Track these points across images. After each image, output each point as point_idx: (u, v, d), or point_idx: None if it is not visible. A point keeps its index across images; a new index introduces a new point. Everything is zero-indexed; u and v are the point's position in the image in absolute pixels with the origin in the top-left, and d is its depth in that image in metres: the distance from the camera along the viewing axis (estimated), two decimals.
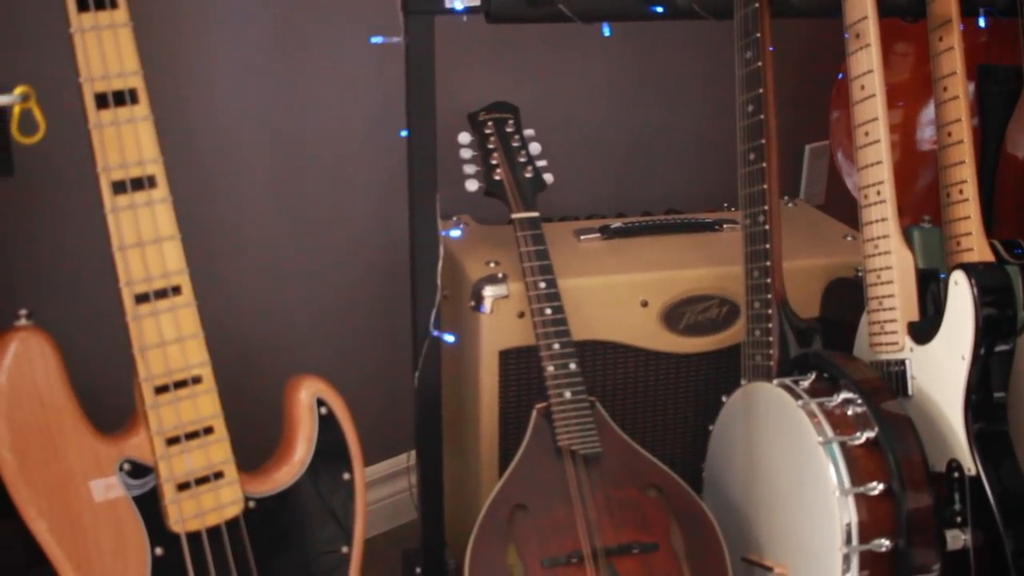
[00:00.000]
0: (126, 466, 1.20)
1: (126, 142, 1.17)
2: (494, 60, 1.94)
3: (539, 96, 1.98)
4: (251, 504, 1.27)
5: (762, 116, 1.54)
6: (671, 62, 2.20)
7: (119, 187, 1.17)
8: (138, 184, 1.18)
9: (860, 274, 1.64)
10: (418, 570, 1.71)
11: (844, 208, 2.20)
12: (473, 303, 1.64)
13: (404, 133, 1.58)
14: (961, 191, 1.64)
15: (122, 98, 1.16)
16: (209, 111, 1.68)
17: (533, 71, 2.02)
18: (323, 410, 1.32)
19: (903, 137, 2.11)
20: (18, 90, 1.17)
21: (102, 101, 1.15)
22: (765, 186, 1.55)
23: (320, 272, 1.85)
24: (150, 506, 1.22)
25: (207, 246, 1.70)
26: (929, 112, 2.10)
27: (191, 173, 1.66)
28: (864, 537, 1.38)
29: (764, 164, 1.55)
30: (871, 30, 1.54)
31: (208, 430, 1.24)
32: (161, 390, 1.21)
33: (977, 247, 1.62)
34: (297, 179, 1.80)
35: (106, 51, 1.15)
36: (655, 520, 1.52)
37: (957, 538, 1.43)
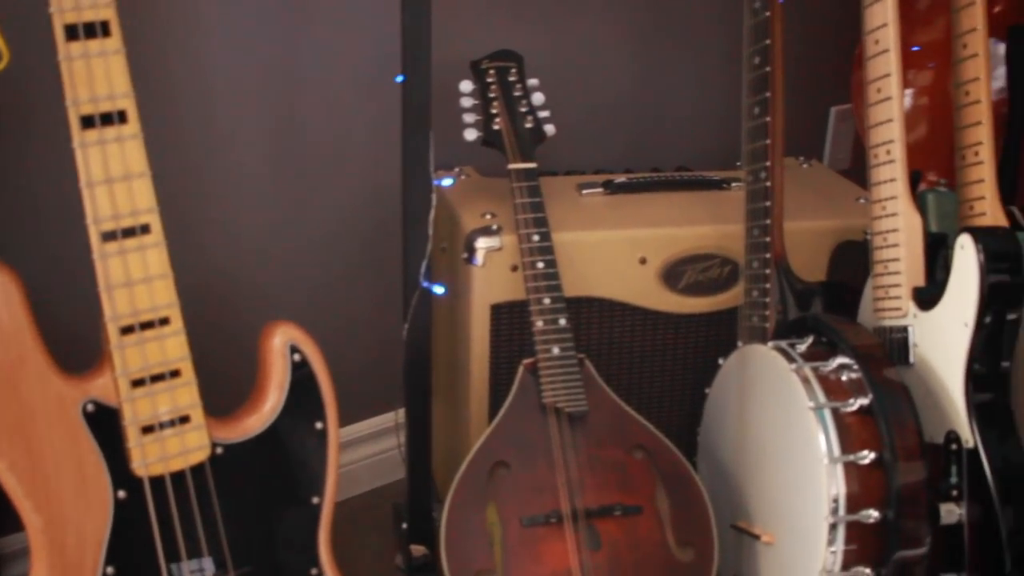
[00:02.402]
0: (89, 407, 1.18)
1: (96, 75, 1.13)
2: (502, 8, 1.89)
3: (550, 46, 1.94)
4: (218, 450, 1.25)
5: (768, 69, 1.49)
6: (686, 14, 2.14)
7: (88, 121, 1.14)
8: (107, 119, 1.14)
9: (869, 236, 1.59)
10: (404, 525, 1.68)
11: None
12: (466, 255, 1.61)
13: (399, 79, 1.54)
14: (977, 153, 1.57)
15: (93, 30, 1.12)
16: (199, 50, 1.64)
17: (543, 20, 1.96)
18: (296, 357, 1.28)
19: (932, 100, 2.04)
20: None
21: (72, 33, 1.12)
22: (768, 142, 1.50)
23: (309, 219, 1.82)
24: (113, 448, 1.19)
25: (192, 188, 1.67)
26: None
27: (176, 111, 1.62)
28: (852, 507, 1.33)
29: (768, 119, 1.50)
30: None
31: (175, 373, 1.21)
32: (127, 331, 1.18)
33: (991, 211, 1.56)
34: (290, 122, 1.76)
35: None
36: (640, 482, 1.49)
37: (952, 512, 1.38)
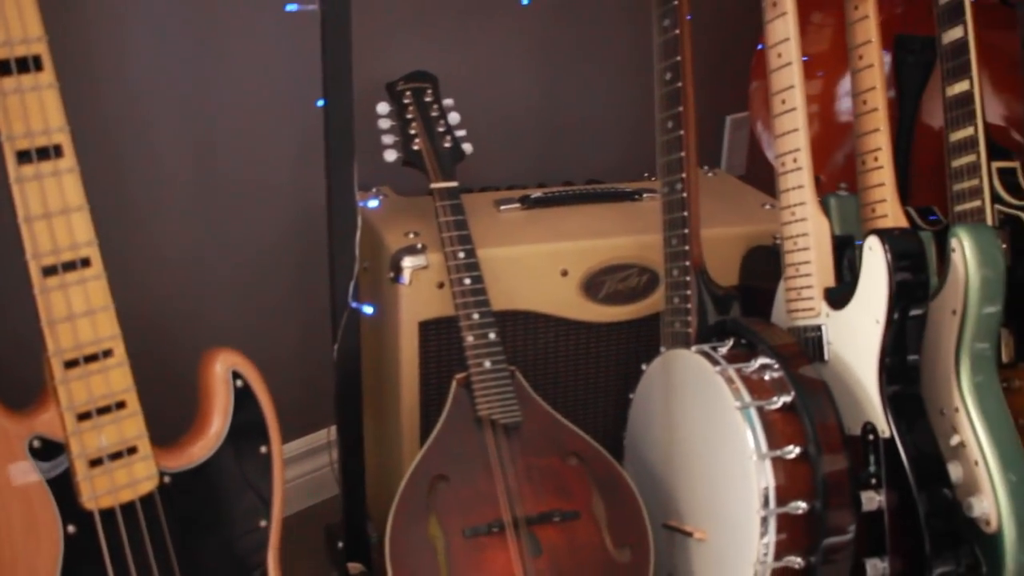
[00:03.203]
0: (36, 443, 1.18)
1: (31, 110, 1.13)
2: (413, 30, 1.92)
3: (460, 66, 1.97)
4: (166, 479, 1.25)
5: (680, 84, 1.55)
6: (593, 29, 2.19)
7: (24, 156, 1.14)
8: (44, 153, 1.15)
9: (778, 242, 1.66)
10: (340, 544, 1.70)
11: (765, 178, 2.22)
12: (392, 274, 1.63)
13: (321, 103, 1.56)
14: (876, 158, 1.66)
15: (26, 65, 1.13)
16: (120, 83, 1.64)
17: (453, 41, 2.00)
18: (239, 383, 1.30)
19: (822, 108, 2.13)
20: None
21: (5, 68, 1.12)
22: (683, 154, 1.56)
23: (236, 245, 1.82)
24: (61, 483, 1.19)
25: (120, 219, 1.66)
26: (848, 83, 2.13)
27: (102, 146, 1.62)
28: (781, 500, 1.39)
29: (682, 132, 1.56)
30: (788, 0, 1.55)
31: (120, 404, 1.21)
32: (71, 364, 1.18)
33: (891, 213, 1.65)
34: (212, 150, 1.77)
35: (7, 16, 1.11)
36: (576, 488, 1.53)
37: (872, 499, 1.45)
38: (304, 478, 1.98)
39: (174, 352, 1.59)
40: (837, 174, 2.03)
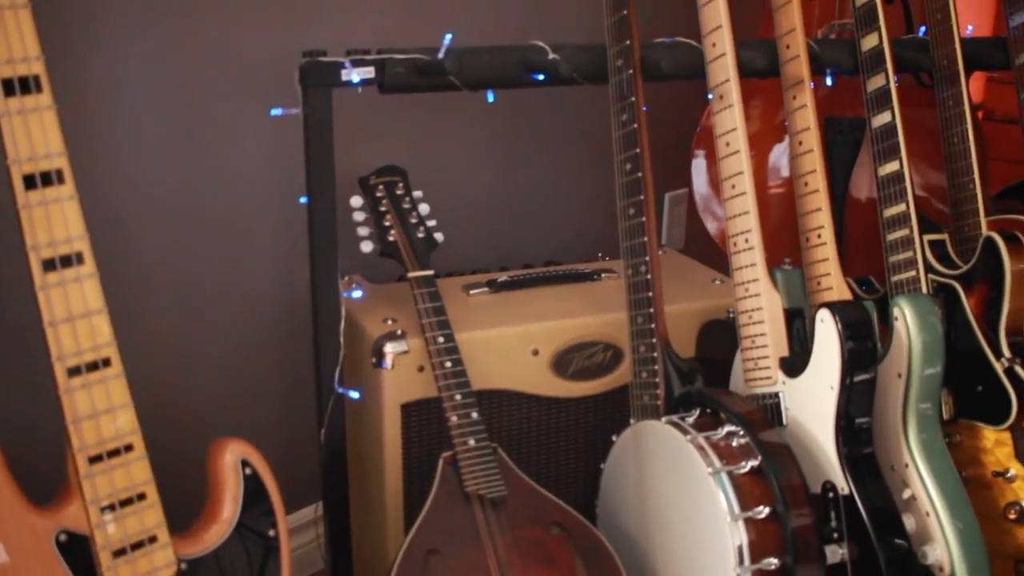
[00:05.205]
0: (62, 536, 1.24)
1: (54, 221, 1.21)
2: (378, 124, 2.02)
3: (420, 158, 2.07)
4: (183, 566, 1.32)
5: (640, 174, 1.66)
6: (544, 123, 2.32)
7: (49, 264, 1.21)
8: (67, 261, 1.22)
9: (731, 315, 1.78)
10: None
11: (703, 248, 2.36)
12: (374, 360, 1.71)
13: (304, 200, 1.65)
14: (819, 235, 1.79)
15: (49, 179, 1.20)
16: (112, 183, 1.71)
17: (415, 135, 2.10)
18: (248, 470, 1.37)
19: (756, 185, 2.26)
20: None
21: (30, 182, 1.19)
22: (645, 239, 1.67)
23: (222, 332, 1.89)
24: (86, 574, 1.25)
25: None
26: (773, 158, 2.28)
27: (96, 241, 1.68)
28: (755, 557, 1.49)
29: (643, 218, 1.67)
30: (734, 92, 1.68)
31: (141, 496, 1.28)
32: (95, 460, 1.24)
33: (836, 286, 1.77)
34: (199, 241, 1.84)
35: (32, 134, 1.19)
36: (560, 556, 1.61)
37: (835, 552, 1.55)
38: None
39: (166, 437, 1.65)
40: (766, 242, 2.16)
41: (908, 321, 1.63)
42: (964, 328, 1.79)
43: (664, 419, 1.63)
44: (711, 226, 2.32)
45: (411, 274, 1.71)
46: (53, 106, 1.20)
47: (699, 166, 2.31)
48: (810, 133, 1.79)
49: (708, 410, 1.64)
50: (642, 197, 1.66)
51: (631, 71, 1.66)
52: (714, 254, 2.20)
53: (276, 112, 1.61)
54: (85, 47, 1.63)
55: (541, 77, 1.71)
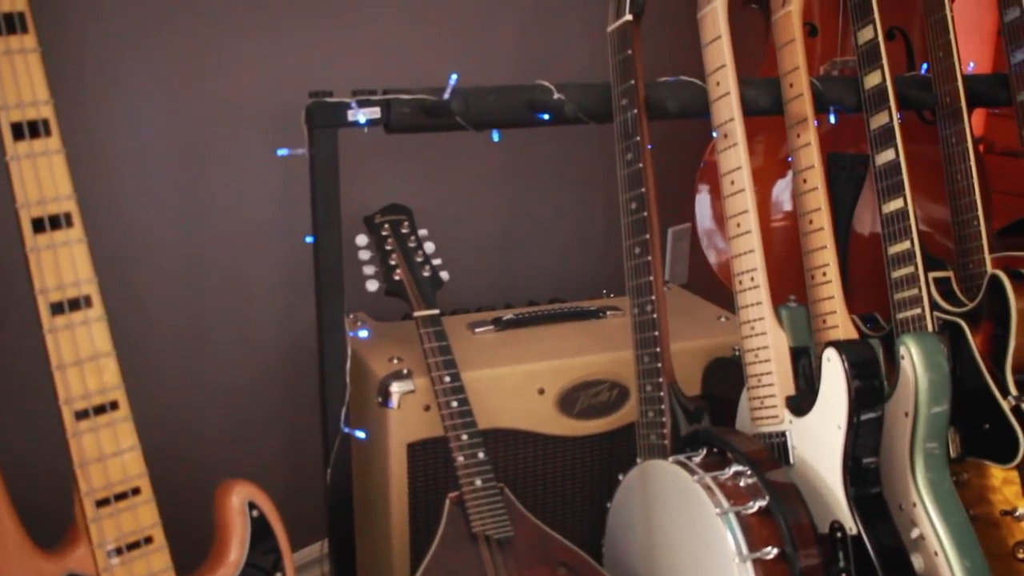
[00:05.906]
0: None
1: (62, 264, 1.21)
2: (383, 163, 2.03)
3: (425, 197, 2.07)
4: None
5: (645, 213, 1.67)
6: (548, 161, 2.32)
7: (57, 308, 1.21)
8: (75, 304, 1.22)
9: (737, 353, 1.78)
10: None
11: (706, 283, 2.36)
12: (380, 399, 1.71)
13: (309, 239, 1.66)
14: (824, 273, 1.79)
15: (58, 222, 1.21)
16: (118, 224, 1.71)
17: (420, 173, 2.11)
18: (255, 513, 1.37)
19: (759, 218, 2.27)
20: None
21: (39, 226, 1.20)
22: (651, 278, 1.67)
23: (226, 373, 1.89)
24: None
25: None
26: (776, 193, 2.28)
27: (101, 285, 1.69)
28: None
29: (650, 257, 1.67)
30: (738, 130, 1.69)
31: (148, 539, 1.28)
32: (102, 503, 1.24)
33: (842, 324, 1.77)
34: (205, 279, 1.84)
35: (41, 178, 1.19)
36: None
37: None
38: None
39: (173, 477, 1.65)
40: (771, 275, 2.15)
41: (915, 360, 1.62)
42: (970, 366, 1.78)
43: (671, 458, 1.63)
44: (714, 260, 2.32)
45: (417, 313, 1.71)
46: (62, 150, 1.20)
47: (703, 200, 2.31)
48: (815, 171, 1.79)
49: (715, 449, 1.64)
50: (648, 236, 1.67)
51: (635, 110, 1.67)
52: (717, 288, 2.20)
53: (282, 152, 1.62)
54: (92, 90, 1.64)
55: (546, 117, 1.72)
